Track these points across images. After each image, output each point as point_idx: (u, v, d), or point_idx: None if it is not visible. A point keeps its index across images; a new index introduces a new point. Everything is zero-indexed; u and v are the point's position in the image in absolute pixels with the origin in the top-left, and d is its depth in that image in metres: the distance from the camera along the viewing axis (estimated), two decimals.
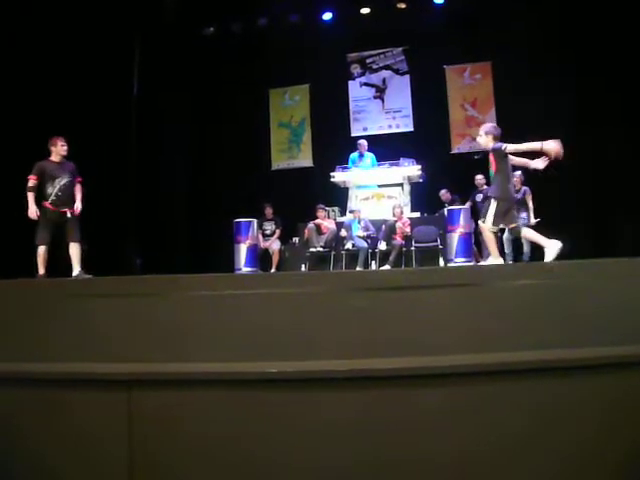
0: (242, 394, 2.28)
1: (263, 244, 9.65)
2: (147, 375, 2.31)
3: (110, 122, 9.81)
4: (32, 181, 6.34)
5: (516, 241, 8.70)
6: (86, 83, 9.35)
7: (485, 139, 5.65)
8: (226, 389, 2.28)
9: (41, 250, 6.30)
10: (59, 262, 6.60)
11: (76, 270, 6.37)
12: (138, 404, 2.30)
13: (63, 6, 8.81)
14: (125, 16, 9.95)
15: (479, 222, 5.74)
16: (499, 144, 5.45)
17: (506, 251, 8.69)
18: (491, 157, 5.56)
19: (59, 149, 6.52)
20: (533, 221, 8.60)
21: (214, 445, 2.26)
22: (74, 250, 6.42)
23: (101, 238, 8.64)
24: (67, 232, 6.46)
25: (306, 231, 9.20)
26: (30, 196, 6.32)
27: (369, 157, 10.03)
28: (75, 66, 9.24)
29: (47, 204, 6.39)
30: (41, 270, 6.29)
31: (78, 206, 6.50)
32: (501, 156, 5.45)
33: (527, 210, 8.69)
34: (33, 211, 6.28)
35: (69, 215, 6.44)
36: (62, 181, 6.46)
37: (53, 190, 6.41)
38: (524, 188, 8.77)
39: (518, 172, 8.85)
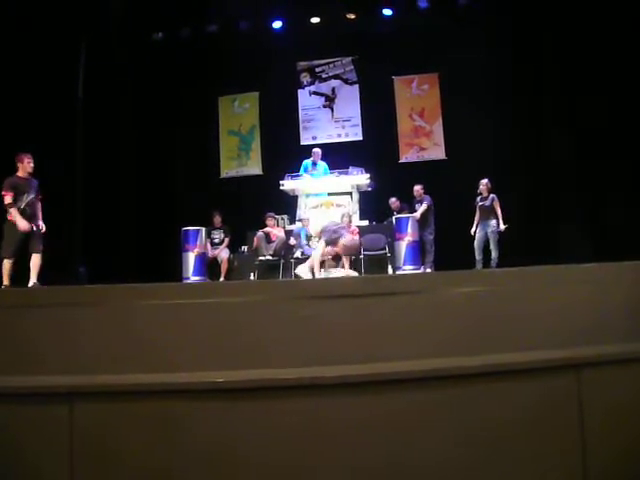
0: (189, 404, 2.23)
1: (212, 253, 9.56)
2: (89, 388, 2.24)
3: (56, 128, 9.57)
4: (10, 197, 6.51)
5: (486, 247, 8.84)
6: (31, 87, 9.11)
7: None
8: (171, 400, 2.23)
9: (7, 263, 6.48)
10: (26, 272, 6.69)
11: (32, 281, 6.56)
12: (80, 418, 2.23)
13: (9, 7, 8.60)
14: (72, 20, 9.75)
15: None
16: None
17: (477, 257, 8.82)
18: None
19: (26, 166, 6.72)
20: (502, 227, 8.71)
21: (157, 458, 2.21)
22: (35, 261, 6.62)
23: (45, 246, 8.43)
24: (31, 244, 6.64)
25: (255, 239, 9.16)
26: (15, 211, 6.51)
27: (322, 166, 10.06)
28: (19, 69, 9.01)
29: None
30: (6, 281, 6.48)
31: (42, 224, 6.78)
32: None
33: (496, 217, 8.80)
34: (25, 224, 6.53)
35: (34, 229, 6.67)
36: (29, 197, 6.69)
37: (21, 205, 6.60)
38: (492, 195, 8.88)
39: (485, 180, 8.96)
